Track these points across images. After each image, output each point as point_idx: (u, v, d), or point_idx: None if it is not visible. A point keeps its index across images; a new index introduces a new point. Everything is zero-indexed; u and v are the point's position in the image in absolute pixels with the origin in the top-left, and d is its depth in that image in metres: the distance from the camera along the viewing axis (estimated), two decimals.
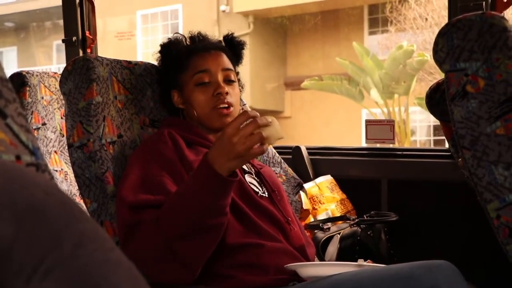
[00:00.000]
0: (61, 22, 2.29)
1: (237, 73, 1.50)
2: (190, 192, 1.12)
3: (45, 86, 2.08)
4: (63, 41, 2.23)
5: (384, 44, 9.90)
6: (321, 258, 1.62)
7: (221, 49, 1.46)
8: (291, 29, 10.63)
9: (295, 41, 10.53)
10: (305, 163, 2.01)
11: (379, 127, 1.99)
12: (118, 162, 1.36)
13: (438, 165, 1.89)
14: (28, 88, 1.98)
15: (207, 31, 1.54)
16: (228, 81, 1.42)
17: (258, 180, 1.41)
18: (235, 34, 1.55)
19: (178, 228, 1.11)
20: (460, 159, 1.42)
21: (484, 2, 1.68)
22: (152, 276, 1.12)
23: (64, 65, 1.45)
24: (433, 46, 1.18)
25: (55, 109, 2.12)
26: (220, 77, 1.40)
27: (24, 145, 0.51)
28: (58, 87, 1.91)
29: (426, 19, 9.29)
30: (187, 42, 1.50)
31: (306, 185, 1.84)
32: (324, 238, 1.65)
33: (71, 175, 2.07)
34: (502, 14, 1.61)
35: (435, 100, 1.46)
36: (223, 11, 10.49)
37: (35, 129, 2.02)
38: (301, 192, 1.79)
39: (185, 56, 1.44)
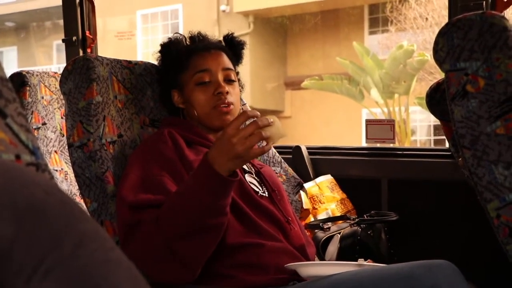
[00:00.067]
0: (61, 22, 2.29)
1: (237, 73, 1.50)
2: (190, 191, 1.12)
3: (45, 85, 2.08)
4: (63, 40, 2.23)
5: (384, 43, 9.90)
6: (321, 258, 1.62)
7: (221, 49, 1.46)
8: (291, 29, 10.63)
9: (295, 40, 10.53)
10: (305, 163, 2.01)
11: (379, 127, 1.99)
12: (118, 161, 1.36)
13: (439, 165, 1.89)
14: (28, 88, 1.98)
15: (207, 31, 1.54)
16: (228, 81, 1.42)
17: (258, 180, 1.41)
18: (235, 34, 1.55)
19: (178, 227, 1.11)
20: (460, 159, 1.42)
21: (484, 2, 1.68)
22: (152, 276, 1.12)
23: (64, 65, 1.45)
24: (433, 45, 1.18)
25: (55, 108, 2.12)
26: (220, 77, 1.40)
27: (24, 144, 0.51)
28: (58, 86, 1.91)
29: (427, 18, 9.30)
30: (187, 42, 1.50)
31: (306, 185, 1.84)
32: (324, 237, 1.65)
33: (71, 174, 2.07)
34: (502, 14, 1.61)
35: (436, 100, 1.46)
36: (223, 11, 10.49)
37: (35, 128, 2.02)
38: (301, 191, 1.79)
39: (185, 56, 1.44)
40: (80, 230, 0.40)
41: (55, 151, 2.10)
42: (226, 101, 1.37)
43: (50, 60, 11.96)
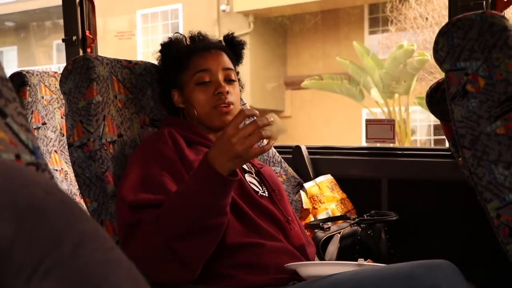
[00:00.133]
0: (61, 21, 2.29)
1: (237, 73, 1.50)
2: (190, 191, 1.12)
3: (45, 85, 2.08)
4: (63, 40, 2.23)
5: (384, 43, 9.90)
6: (321, 258, 1.62)
7: (221, 49, 1.46)
8: (291, 29, 10.63)
9: (295, 40, 10.53)
10: (305, 163, 2.01)
11: (379, 127, 1.99)
12: (118, 161, 1.36)
13: (439, 165, 1.89)
14: (28, 88, 1.98)
15: (207, 31, 1.54)
16: (229, 81, 1.42)
17: (258, 180, 1.41)
18: (235, 34, 1.55)
19: (178, 227, 1.11)
20: (460, 159, 1.42)
21: (484, 2, 1.68)
22: (152, 276, 1.12)
23: (64, 64, 1.45)
24: (433, 45, 1.18)
25: (55, 108, 2.12)
26: (220, 77, 1.40)
27: (24, 144, 0.51)
28: (58, 86, 1.91)
29: (427, 18, 9.29)
30: (187, 42, 1.50)
31: (306, 185, 1.84)
32: (324, 237, 1.65)
33: (71, 174, 2.07)
34: (503, 14, 1.61)
35: (436, 100, 1.46)
36: (223, 11, 10.49)
37: (35, 128, 2.02)
38: (301, 191, 1.79)
39: (186, 56, 1.44)
40: (80, 230, 0.40)
41: (55, 151, 2.10)
42: (227, 100, 1.37)
43: (50, 60, 11.96)
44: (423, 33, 9.29)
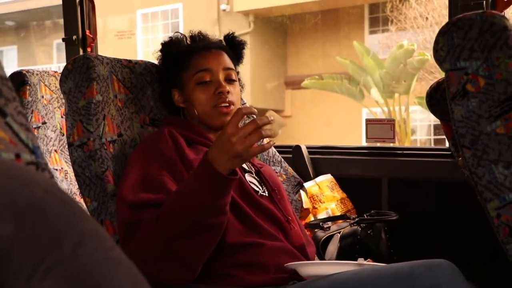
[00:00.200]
0: (61, 21, 2.29)
1: (238, 73, 1.50)
2: (190, 191, 1.12)
3: (45, 85, 2.08)
4: (63, 40, 2.23)
5: (384, 43, 9.90)
6: (321, 257, 1.62)
7: (222, 48, 1.46)
8: (292, 28, 10.63)
9: (295, 40, 10.53)
10: (305, 162, 2.01)
11: (380, 126, 1.99)
12: (118, 161, 1.36)
13: (438, 164, 1.89)
14: (28, 87, 1.98)
15: (208, 30, 1.54)
16: (229, 80, 1.42)
17: (258, 179, 1.41)
18: (236, 33, 1.55)
19: (178, 227, 1.11)
20: (460, 158, 1.42)
21: (484, 1, 1.68)
22: (152, 275, 1.12)
23: (64, 64, 1.45)
24: (433, 45, 1.18)
25: (55, 108, 2.12)
26: (221, 76, 1.40)
27: (24, 143, 0.51)
28: (58, 86, 1.91)
29: (427, 18, 9.29)
30: (188, 41, 1.50)
31: (306, 184, 1.84)
32: (324, 237, 1.65)
33: (71, 174, 2.07)
34: (503, 13, 1.61)
35: (436, 99, 1.46)
36: (224, 10, 10.48)
37: (35, 128, 2.02)
38: (301, 191, 1.79)
39: (186, 55, 1.44)
40: (80, 230, 0.40)
41: (55, 150, 2.10)
42: (227, 100, 1.37)
43: (50, 59, 11.96)
44: (423, 32, 9.29)
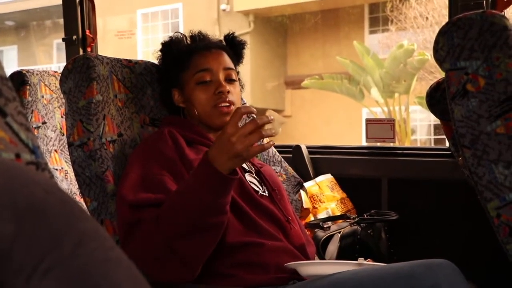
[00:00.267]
0: (61, 21, 2.29)
1: (238, 73, 1.50)
2: (191, 190, 1.12)
3: (45, 84, 2.08)
4: (63, 39, 2.23)
5: (384, 43, 9.90)
6: (321, 257, 1.62)
7: (222, 48, 1.46)
8: (292, 28, 10.63)
9: (295, 40, 10.53)
10: (305, 162, 2.01)
11: (380, 126, 1.99)
12: (118, 161, 1.36)
13: (439, 164, 1.89)
14: (28, 87, 1.98)
15: (208, 30, 1.54)
16: (229, 80, 1.42)
17: (258, 179, 1.41)
18: (236, 33, 1.55)
19: (178, 226, 1.11)
20: (460, 158, 1.42)
21: (484, 1, 1.68)
22: (152, 275, 1.12)
23: (64, 64, 1.45)
24: (433, 45, 1.18)
25: (55, 107, 2.12)
26: (221, 76, 1.40)
27: (24, 143, 0.51)
28: (58, 85, 1.91)
29: (427, 18, 9.29)
30: (188, 41, 1.50)
31: (306, 184, 1.84)
32: (324, 237, 1.65)
33: (71, 174, 2.07)
34: (503, 13, 1.61)
35: (436, 99, 1.46)
36: (224, 10, 10.48)
37: (35, 127, 2.02)
38: (301, 191, 1.79)
39: (187, 55, 1.44)
40: (80, 229, 0.40)
41: (55, 150, 2.10)
42: (227, 99, 1.37)
43: (50, 59, 11.96)
44: (423, 32, 9.29)
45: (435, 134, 9.58)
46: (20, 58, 12.29)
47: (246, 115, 1.57)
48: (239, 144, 1.07)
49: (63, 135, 2.12)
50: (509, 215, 1.06)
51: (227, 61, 1.44)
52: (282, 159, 1.81)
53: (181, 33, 1.51)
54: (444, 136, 1.65)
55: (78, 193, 2.02)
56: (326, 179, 1.94)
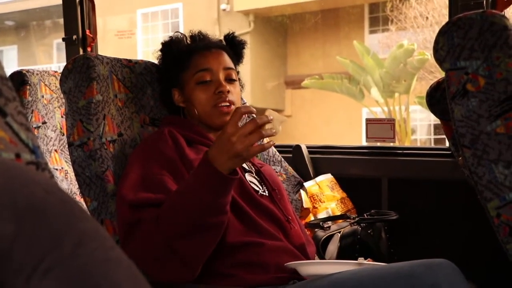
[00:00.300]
0: (61, 20, 2.29)
1: (238, 72, 1.50)
2: (191, 190, 1.12)
3: (45, 84, 2.08)
4: (63, 39, 2.23)
5: (384, 42, 9.90)
6: (322, 257, 1.62)
7: (222, 48, 1.46)
8: (292, 28, 10.62)
9: (295, 40, 10.53)
10: (306, 162, 2.01)
11: (380, 126, 1.99)
12: (118, 160, 1.36)
13: (439, 164, 1.89)
14: (28, 87, 1.98)
15: (208, 30, 1.54)
16: (229, 80, 1.42)
17: (258, 179, 1.41)
18: (236, 33, 1.55)
19: (178, 226, 1.11)
20: (460, 158, 1.42)
21: (484, 1, 1.68)
22: (152, 275, 1.12)
23: (65, 63, 1.45)
24: (433, 44, 1.18)
25: (55, 107, 2.13)
26: (221, 76, 1.40)
27: (24, 143, 0.51)
28: (58, 85, 1.91)
29: (427, 17, 9.29)
30: (188, 41, 1.50)
31: (307, 184, 1.84)
32: (325, 236, 1.65)
33: (71, 173, 2.07)
34: (503, 13, 1.61)
35: (436, 99, 1.46)
36: (224, 10, 10.48)
37: (35, 127, 2.02)
38: (301, 190, 1.79)
39: (187, 55, 1.44)
40: (80, 229, 0.40)
41: (55, 150, 2.10)
42: (227, 99, 1.37)
43: (50, 59, 11.96)
44: (423, 32, 9.29)
45: (435, 134, 9.58)
46: (20, 58, 12.29)
47: (246, 115, 1.57)
48: (239, 144, 1.07)
49: (63, 135, 2.12)
50: (509, 215, 1.06)
51: (227, 61, 1.44)
52: (282, 159, 1.81)
53: (181, 33, 1.51)
54: (444, 136, 1.65)
55: (78, 193, 2.02)
56: (326, 179, 1.94)
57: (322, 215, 1.79)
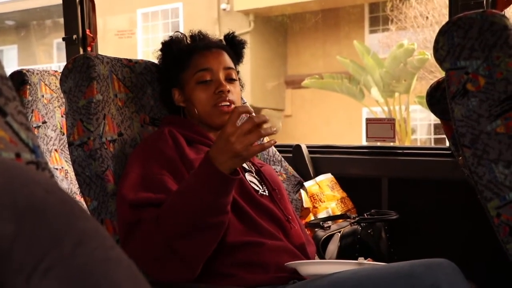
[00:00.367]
0: (61, 20, 2.29)
1: (238, 72, 1.50)
2: (191, 190, 1.12)
3: (46, 84, 2.08)
4: (63, 39, 2.23)
5: (384, 42, 9.89)
6: (322, 257, 1.62)
7: (222, 48, 1.46)
8: (292, 28, 10.62)
9: (295, 39, 10.52)
10: (306, 162, 2.01)
11: (380, 126, 1.99)
12: (118, 160, 1.36)
13: (439, 164, 1.89)
14: (28, 86, 1.98)
15: (208, 30, 1.54)
16: (229, 80, 1.42)
17: (258, 179, 1.41)
18: (236, 33, 1.55)
19: (178, 226, 1.11)
20: (460, 158, 1.42)
21: (484, 1, 1.68)
22: (152, 275, 1.12)
23: (65, 63, 1.45)
24: (433, 44, 1.18)
25: (55, 107, 2.12)
26: (221, 76, 1.40)
27: (24, 143, 0.51)
28: (58, 85, 1.91)
29: (427, 17, 9.29)
30: (188, 41, 1.50)
31: (307, 184, 1.84)
32: (325, 236, 1.65)
33: (71, 173, 2.07)
34: (503, 12, 1.61)
35: (436, 99, 1.46)
36: (224, 10, 10.48)
37: (35, 127, 2.02)
38: (301, 190, 1.79)
39: (187, 54, 1.44)
40: (80, 229, 0.40)
41: (55, 150, 2.10)
42: (227, 98, 1.37)
43: (50, 58, 11.96)
44: (424, 32, 9.29)
45: (435, 134, 9.58)
46: (20, 58, 12.29)
47: (245, 115, 1.57)
48: (238, 143, 1.07)
49: (63, 134, 2.12)
50: (509, 215, 1.06)
51: (227, 60, 1.44)
52: (282, 159, 1.81)
53: (181, 33, 1.51)
54: (444, 136, 1.65)
55: (78, 192, 2.02)
56: (326, 178, 1.94)
57: (322, 214, 1.79)
